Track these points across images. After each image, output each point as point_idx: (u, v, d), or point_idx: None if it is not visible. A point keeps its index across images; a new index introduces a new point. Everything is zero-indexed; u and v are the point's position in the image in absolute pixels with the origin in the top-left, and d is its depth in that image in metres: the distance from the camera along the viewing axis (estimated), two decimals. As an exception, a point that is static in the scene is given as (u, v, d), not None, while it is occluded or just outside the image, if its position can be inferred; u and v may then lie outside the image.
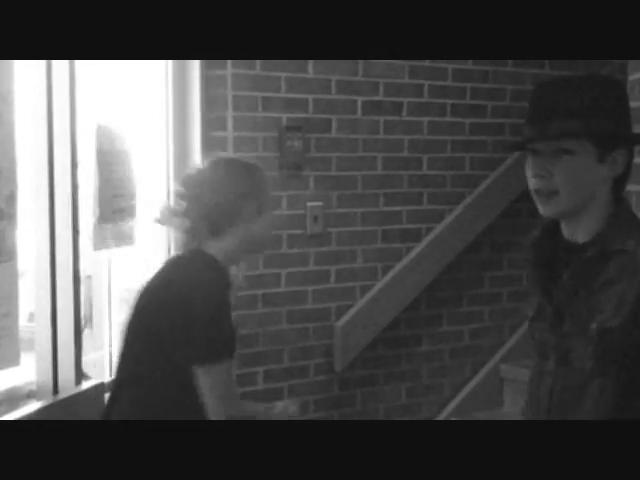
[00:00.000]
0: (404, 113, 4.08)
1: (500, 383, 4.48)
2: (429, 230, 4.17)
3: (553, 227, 2.01)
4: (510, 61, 4.35)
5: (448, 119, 4.23)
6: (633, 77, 2.91)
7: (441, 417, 4.32)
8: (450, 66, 4.19)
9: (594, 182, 1.91)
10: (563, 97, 1.91)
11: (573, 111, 1.89)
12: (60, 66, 2.57)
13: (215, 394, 2.30)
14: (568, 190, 1.89)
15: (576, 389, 1.94)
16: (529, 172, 1.94)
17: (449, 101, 4.22)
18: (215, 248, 2.40)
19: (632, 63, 2.92)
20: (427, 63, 4.12)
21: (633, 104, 2.89)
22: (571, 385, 1.95)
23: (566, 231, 1.98)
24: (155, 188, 3.49)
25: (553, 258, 2.01)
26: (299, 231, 3.80)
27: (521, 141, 1.99)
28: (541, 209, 1.93)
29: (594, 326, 1.87)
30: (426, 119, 4.15)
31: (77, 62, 2.62)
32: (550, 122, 1.90)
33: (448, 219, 4.21)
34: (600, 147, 1.89)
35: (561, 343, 1.95)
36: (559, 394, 1.99)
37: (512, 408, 4.44)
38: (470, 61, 4.24)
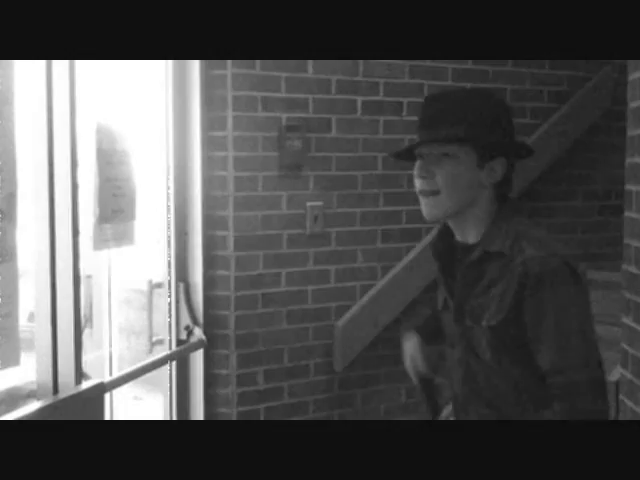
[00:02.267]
0: (404, 113, 4.08)
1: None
2: (429, 230, 4.16)
3: (447, 229, 2.21)
4: (510, 61, 4.35)
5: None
6: (633, 77, 2.91)
7: (441, 417, 4.31)
8: (450, 66, 4.19)
9: (473, 186, 2.09)
10: (448, 107, 2.10)
11: (456, 119, 2.07)
12: (60, 66, 2.56)
13: None
14: (448, 191, 2.06)
15: (482, 376, 2.17)
16: (415, 174, 2.11)
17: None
18: None
19: (632, 63, 2.91)
20: (427, 63, 4.12)
21: (633, 104, 2.90)
22: (478, 372, 2.18)
23: (457, 233, 2.18)
24: (155, 188, 3.49)
25: (451, 256, 2.21)
26: (299, 231, 3.80)
27: (409, 146, 2.16)
28: (424, 210, 2.12)
29: (484, 323, 2.08)
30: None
31: (77, 62, 2.62)
32: (435, 129, 2.07)
33: (448, 219, 4.20)
34: (479, 154, 2.08)
35: (464, 334, 2.16)
36: (470, 381, 2.22)
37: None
38: (470, 61, 4.24)
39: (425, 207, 2.11)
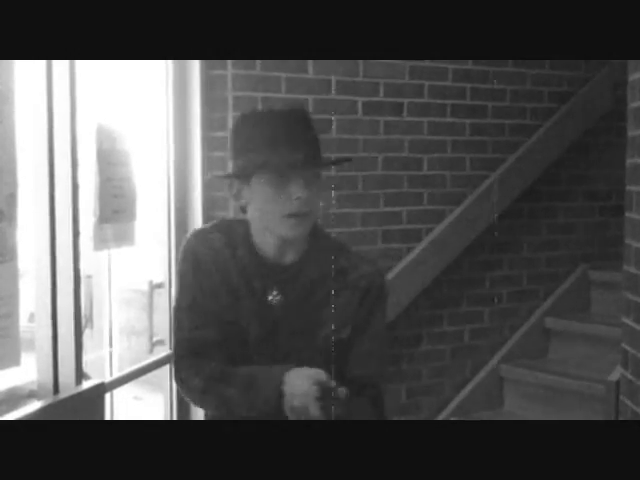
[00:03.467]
0: (404, 113, 4.08)
1: (500, 383, 4.48)
2: (429, 230, 4.17)
3: (250, 244, 2.12)
4: (510, 61, 4.36)
5: (448, 119, 4.23)
6: (633, 77, 2.91)
7: (441, 417, 4.32)
8: (450, 66, 4.20)
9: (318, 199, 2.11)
10: (306, 127, 2.09)
11: (316, 141, 2.09)
12: (60, 66, 2.56)
13: None
14: (314, 211, 2.09)
15: None
16: (283, 196, 2.02)
17: (449, 101, 4.22)
18: None
19: (632, 63, 2.92)
20: (427, 63, 4.13)
21: (633, 104, 2.90)
22: None
23: (275, 251, 2.10)
24: (156, 188, 3.49)
25: (249, 275, 2.11)
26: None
27: (273, 166, 2.02)
28: (292, 231, 2.05)
29: (322, 336, 2.08)
30: (426, 119, 4.16)
31: (77, 62, 2.62)
32: (298, 151, 2.03)
33: (448, 219, 4.21)
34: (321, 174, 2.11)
35: (287, 353, 2.09)
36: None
37: (512, 408, 4.44)
38: (470, 61, 4.24)
39: (295, 228, 2.06)
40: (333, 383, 1.93)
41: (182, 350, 2.12)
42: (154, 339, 3.54)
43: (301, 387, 1.94)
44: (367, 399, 2.09)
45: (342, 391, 1.92)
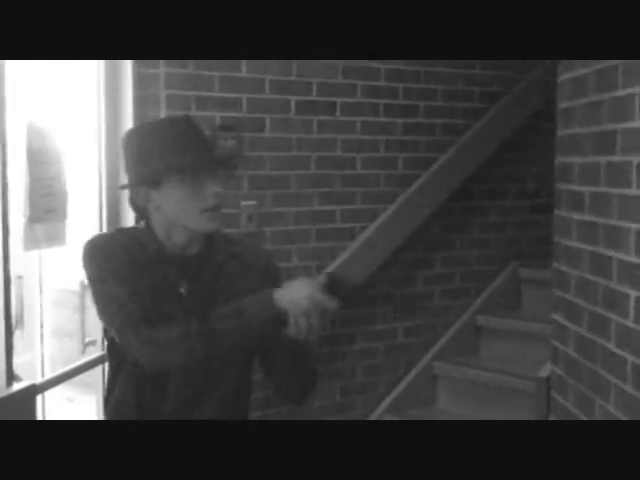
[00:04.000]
0: (337, 113, 4.10)
1: (433, 380, 4.52)
2: (363, 229, 4.19)
3: (156, 241, 2.24)
4: (442, 62, 4.40)
5: (381, 119, 4.25)
6: (562, 78, 2.96)
7: (375, 415, 4.35)
8: (383, 66, 4.22)
9: None
10: (192, 133, 2.21)
11: (209, 143, 2.25)
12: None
13: None
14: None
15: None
16: (200, 193, 2.16)
17: (382, 101, 4.25)
18: None
19: (561, 64, 2.97)
20: (360, 63, 4.15)
21: (562, 105, 2.95)
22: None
23: (181, 246, 2.24)
24: (88, 188, 3.45)
25: (160, 269, 2.22)
26: (233, 230, 3.79)
27: (189, 167, 2.17)
28: (210, 225, 2.20)
29: None
30: (359, 119, 4.18)
31: (6, 61, 2.58)
32: (206, 152, 2.20)
33: (381, 218, 4.24)
34: None
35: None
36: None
37: (445, 405, 4.49)
38: (402, 62, 4.27)
39: (212, 221, 2.20)
40: (325, 294, 2.09)
41: (131, 314, 2.13)
42: (86, 340, 3.50)
43: (302, 300, 2.06)
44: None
45: (333, 301, 2.07)
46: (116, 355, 2.29)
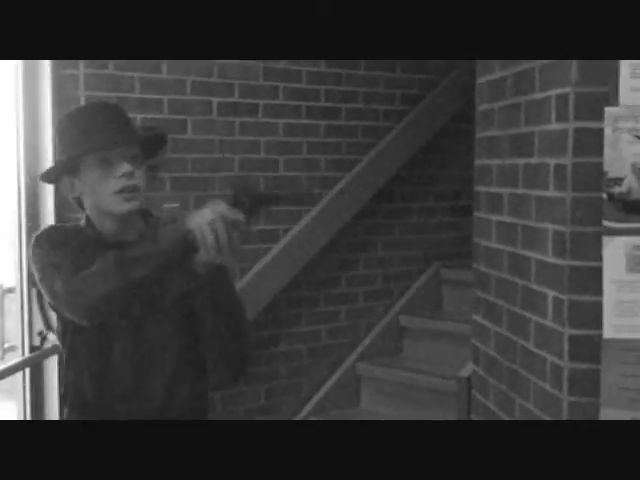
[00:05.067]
0: (260, 115, 4.10)
1: (357, 381, 4.55)
2: (286, 231, 4.20)
3: (93, 229, 2.26)
4: (363, 64, 4.43)
5: (303, 121, 4.26)
6: (480, 81, 3.00)
7: (300, 416, 4.35)
8: (304, 68, 4.24)
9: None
10: (113, 117, 2.25)
11: (123, 125, 2.25)
12: None
13: None
14: (142, 187, 2.22)
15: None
16: (109, 175, 2.17)
17: (304, 103, 4.26)
18: None
19: (479, 67, 3.00)
20: (281, 65, 4.15)
21: (481, 107, 2.99)
22: None
23: (115, 231, 2.25)
24: (4, 193, 3.40)
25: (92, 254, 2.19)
26: (155, 233, 3.76)
27: (96, 148, 2.19)
28: (122, 206, 2.20)
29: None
30: (281, 121, 4.18)
31: None
32: (120, 134, 2.22)
33: (305, 220, 4.24)
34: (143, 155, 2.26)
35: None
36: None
37: (369, 405, 4.51)
38: (323, 64, 4.29)
39: (125, 203, 2.19)
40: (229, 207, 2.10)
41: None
42: (6, 345, 3.44)
43: (205, 215, 2.06)
44: None
45: (238, 213, 2.09)
46: (67, 343, 2.28)
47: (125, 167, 2.17)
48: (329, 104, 4.35)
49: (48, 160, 3.48)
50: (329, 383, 4.47)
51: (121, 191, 2.18)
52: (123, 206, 2.19)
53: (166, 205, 3.58)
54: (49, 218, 3.51)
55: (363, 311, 4.61)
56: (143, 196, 2.24)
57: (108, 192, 2.18)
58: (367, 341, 4.60)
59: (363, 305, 4.61)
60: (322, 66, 4.30)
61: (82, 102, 3.55)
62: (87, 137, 2.19)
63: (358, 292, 4.59)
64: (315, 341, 4.42)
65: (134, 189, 2.19)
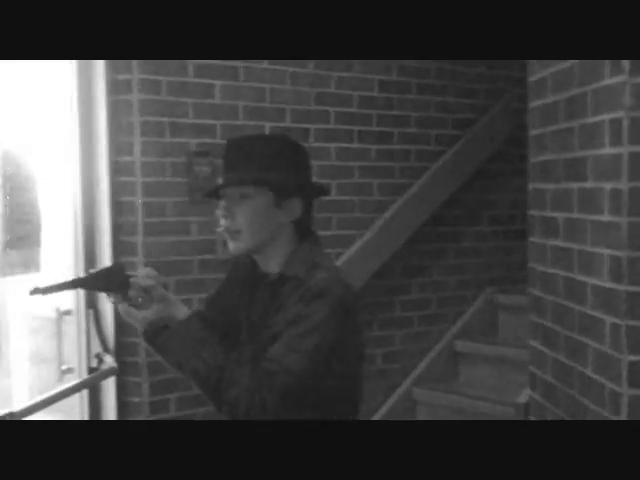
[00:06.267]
0: (311, 139, 4.11)
1: (413, 406, 4.52)
2: (339, 255, 4.20)
3: (252, 260, 2.32)
4: (414, 89, 4.44)
5: (355, 145, 4.27)
6: (533, 105, 2.99)
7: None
8: (356, 93, 4.25)
9: (272, 224, 2.23)
10: (246, 151, 2.24)
11: (252, 163, 2.22)
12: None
13: None
14: (248, 230, 2.21)
15: None
16: (218, 214, 2.23)
17: (356, 127, 4.27)
18: None
19: (532, 91, 3.00)
20: (332, 90, 4.17)
21: (534, 132, 2.97)
22: None
23: (260, 264, 2.30)
24: (61, 214, 3.44)
25: (249, 286, 2.34)
26: (209, 256, 3.79)
27: (213, 188, 2.31)
28: (229, 246, 2.25)
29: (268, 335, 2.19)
30: (333, 145, 4.20)
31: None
32: (235, 172, 2.22)
33: (357, 244, 4.25)
34: (275, 194, 2.22)
35: (258, 351, 2.19)
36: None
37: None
38: (376, 89, 4.30)
39: (230, 244, 2.25)
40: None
41: None
42: (64, 367, 3.48)
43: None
44: (251, 372, 2.10)
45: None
46: None
47: (221, 210, 2.22)
48: (381, 128, 4.35)
49: (104, 184, 3.53)
50: (384, 408, 4.45)
51: (224, 230, 2.23)
52: (229, 245, 2.24)
53: (218, 229, 3.61)
54: (105, 242, 3.55)
55: (418, 336, 4.59)
56: (248, 237, 2.22)
57: (221, 229, 2.25)
58: (422, 366, 4.58)
59: (418, 330, 4.59)
60: (374, 91, 4.31)
61: (137, 128, 3.61)
62: (223, 168, 2.26)
63: (412, 316, 4.57)
64: (370, 365, 4.40)
65: (234, 232, 2.21)
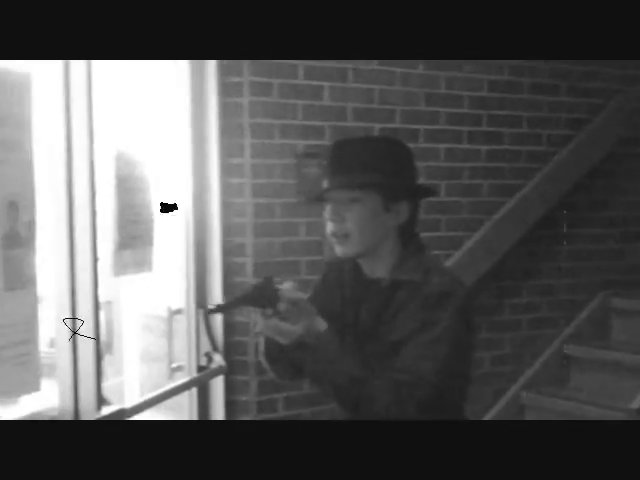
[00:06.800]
0: (420, 140, 4.10)
1: (521, 411, 4.46)
2: (448, 257, 4.17)
3: (356, 265, 2.30)
4: (526, 88, 4.38)
5: (465, 146, 4.24)
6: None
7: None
8: (466, 94, 4.22)
9: (380, 227, 2.22)
10: (354, 154, 2.22)
11: (361, 166, 2.19)
12: (78, 90, 2.59)
13: None
14: (357, 234, 2.20)
15: None
16: (326, 217, 2.24)
17: (465, 128, 4.23)
18: None
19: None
20: (444, 90, 4.15)
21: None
22: None
23: (366, 269, 2.28)
24: (173, 214, 3.50)
25: (357, 290, 2.31)
26: (317, 257, 3.80)
27: (321, 191, 2.28)
28: (337, 250, 2.23)
29: (388, 342, 2.16)
30: (443, 146, 4.17)
31: (95, 87, 2.64)
32: (343, 175, 2.20)
33: (466, 246, 4.21)
34: (384, 198, 2.20)
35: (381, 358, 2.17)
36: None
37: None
38: (486, 89, 4.26)
39: (337, 248, 2.23)
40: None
41: None
42: (173, 365, 3.54)
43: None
44: (390, 385, 2.07)
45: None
46: None
47: (329, 214, 2.22)
48: (491, 129, 4.31)
49: (215, 185, 3.59)
50: (492, 412, 4.40)
51: (331, 234, 2.23)
52: (337, 249, 2.24)
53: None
54: (215, 242, 3.61)
55: (527, 339, 4.52)
56: (357, 241, 2.21)
57: (327, 233, 2.25)
58: (531, 370, 4.52)
59: (527, 333, 4.52)
60: (484, 90, 4.27)
61: (247, 130, 3.65)
62: (329, 171, 2.26)
63: (522, 320, 4.51)
64: (478, 369, 4.36)
65: (343, 236, 2.21)
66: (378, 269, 2.26)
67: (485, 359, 4.39)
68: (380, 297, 2.24)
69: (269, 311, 2.05)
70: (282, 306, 2.05)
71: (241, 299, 2.12)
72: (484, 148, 4.29)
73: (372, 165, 2.20)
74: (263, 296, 2.06)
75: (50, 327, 2.68)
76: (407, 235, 2.28)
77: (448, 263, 4.14)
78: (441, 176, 4.17)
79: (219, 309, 2.26)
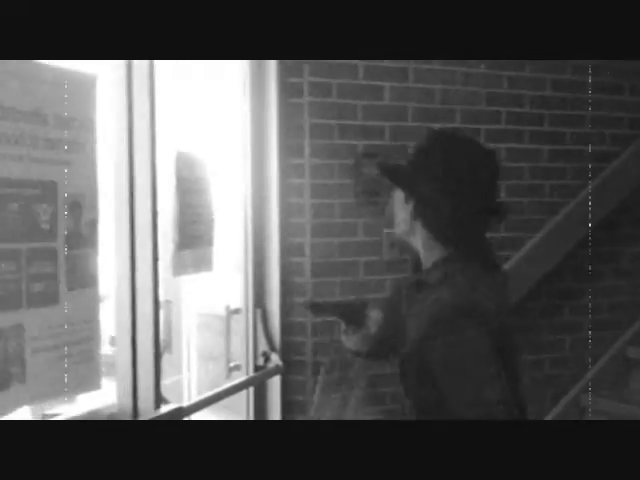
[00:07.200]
0: (482, 140, 4.05)
1: (581, 413, 4.40)
2: (508, 258, 4.13)
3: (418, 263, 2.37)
4: (588, 87, 4.32)
5: (526, 146, 4.19)
6: None
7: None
8: (528, 93, 4.18)
9: (403, 211, 2.30)
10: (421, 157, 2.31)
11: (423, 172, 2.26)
12: (140, 92, 2.61)
13: None
14: (397, 229, 2.38)
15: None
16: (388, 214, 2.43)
17: (527, 128, 4.19)
18: None
19: None
20: (504, 90, 4.11)
21: None
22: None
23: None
24: (233, 215, 3.53)
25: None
26: (375, 258, 3.79)
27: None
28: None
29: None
30: (504, 146, 4.13)
31: (157, 89, 2.66)
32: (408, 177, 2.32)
33: (527, 247, 4.17)
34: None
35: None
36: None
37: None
38: (548, 89, 4.21)
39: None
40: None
41: None
42: (231, 364, 3.56)
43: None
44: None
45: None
46: None
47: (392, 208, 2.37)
48: (553, 128, 4.26)
49: (274, 186, 3.59)
50: (551, 414, 4.35)
51: (400, 232, 2.37)
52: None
53: (386, 230, 3.61)
54: (274, 243, 3.61)
55: (588, 341, 4.46)
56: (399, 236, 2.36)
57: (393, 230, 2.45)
58: (592, 372, 4.45)
59: (588, 335, 4.46)
60: (547, 89, 4.22)
61: (306, 130, 3.66)
62: None
63: (583, 322, 4.45)
64: (538, 370, 4.32)
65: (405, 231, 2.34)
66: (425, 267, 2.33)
67: (545, 361, 4.34)
68: (407, 297, 2.34)
69: (351, 328, 2.44)
70: (364, 330, 2.41)
71: (336, 311, 2.40)
72: (546, 148, 4.24)
73: (411, 164, 2.31)
74: (353, 318, 2.43)
75: (110, 326, 2.71)
76: (446, 240, 2.27)
77: (508, 265, 4.10)
78: (502, 176, 4.10)
79: (316, 308, 2.70)
